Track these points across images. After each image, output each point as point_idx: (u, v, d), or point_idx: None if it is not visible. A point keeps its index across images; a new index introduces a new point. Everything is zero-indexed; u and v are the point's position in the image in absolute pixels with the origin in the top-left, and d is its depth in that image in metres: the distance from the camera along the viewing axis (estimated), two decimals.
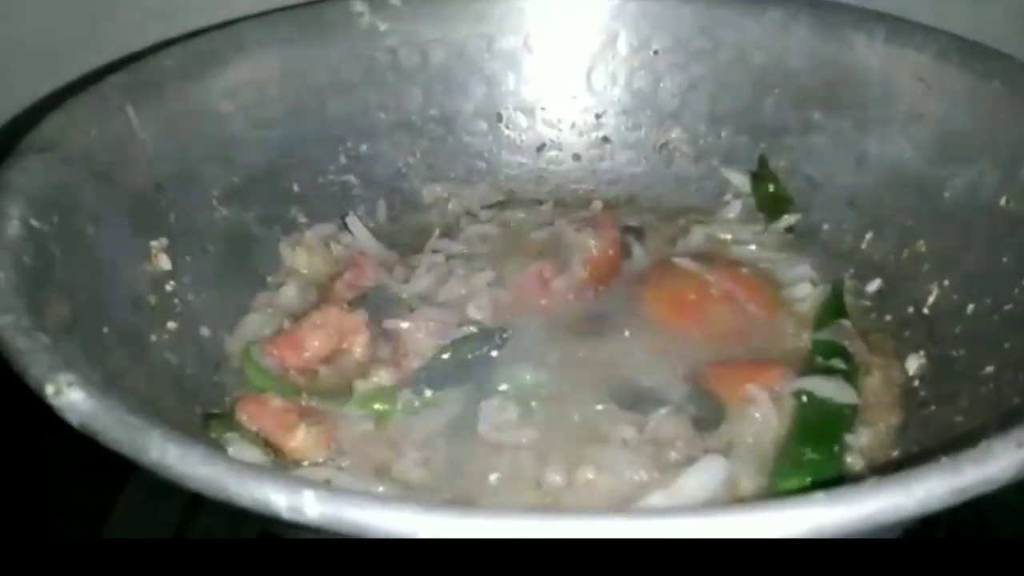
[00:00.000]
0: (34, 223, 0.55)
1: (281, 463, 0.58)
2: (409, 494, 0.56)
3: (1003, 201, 0.64)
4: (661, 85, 0.82)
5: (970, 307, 0.63)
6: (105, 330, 0.56)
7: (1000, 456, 0.37)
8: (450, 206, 0.82)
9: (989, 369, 0.58)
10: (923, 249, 0.69)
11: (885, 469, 0.53)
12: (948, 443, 0.48)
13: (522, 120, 0.85)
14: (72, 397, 0.43)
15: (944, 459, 0.37)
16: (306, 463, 0.58)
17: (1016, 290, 0.60)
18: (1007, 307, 0.60)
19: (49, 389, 0.43)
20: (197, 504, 0.63)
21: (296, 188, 0.77)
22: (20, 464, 0.72)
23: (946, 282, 0.67)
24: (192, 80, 0.71)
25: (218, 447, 0.58)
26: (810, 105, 0.78)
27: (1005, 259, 0.62)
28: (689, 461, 0.57)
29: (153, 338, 0.61)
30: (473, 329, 0.66)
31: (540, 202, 0.83)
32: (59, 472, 0.67)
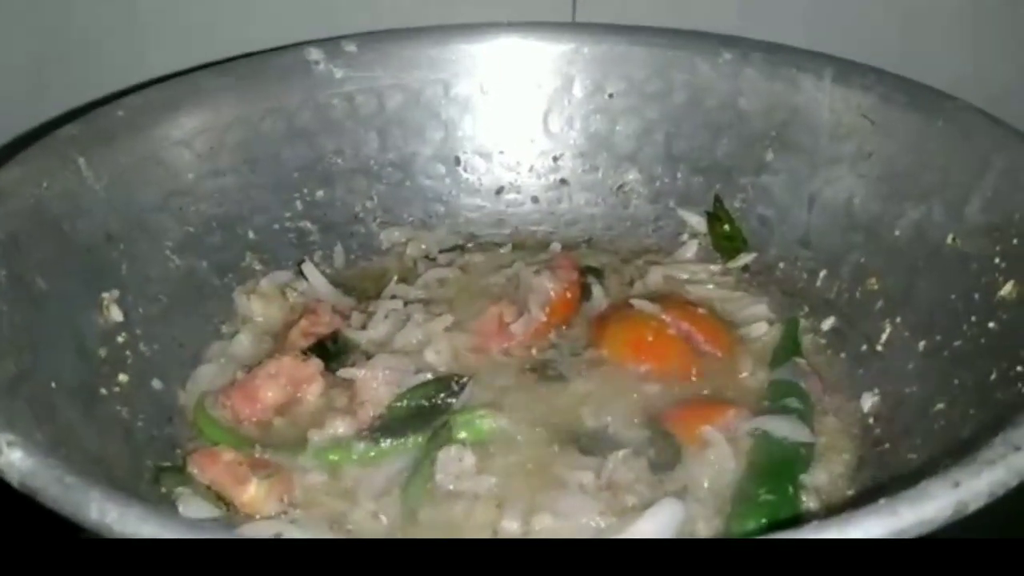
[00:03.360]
0: None
1: (233, 516, 0.57)
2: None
3: (950, 239, 0.65)
4: (617, 128, 0.83)
5: (922, 344, 0.64)
6: (53, 384, 0.56)
7: (937, 497, 0.37)
8: (408, 250, 0.82)
9: (940, 406, 0.59)
10: (875, 287, 0.70)
11: (838, 510, 0.53)
12: (893, 482, 0.48)
13: (480, 163, 0.85)
14: (11, 457, 0.43)
15: (883, 501, 0.37)
16: (258, 516, 0.57)
17: (964, 327, 0.61)
18: (956, 343, 0.61)
19: None
20: None
21: (252, 235, 0.76)
22: None
23: (898, 319, 0.67)
24: (145, 130, 0.71)
25: (168, 501, 0.57)
26: (762, 146, 0.79)
27: (953, 296, 0.63)
28: (646, 505, 0.57)
29: (103, 391, 0.61)
30: (430, 376, 0.66)
31: (499, 245, 0.83)
32: None
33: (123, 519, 0.39)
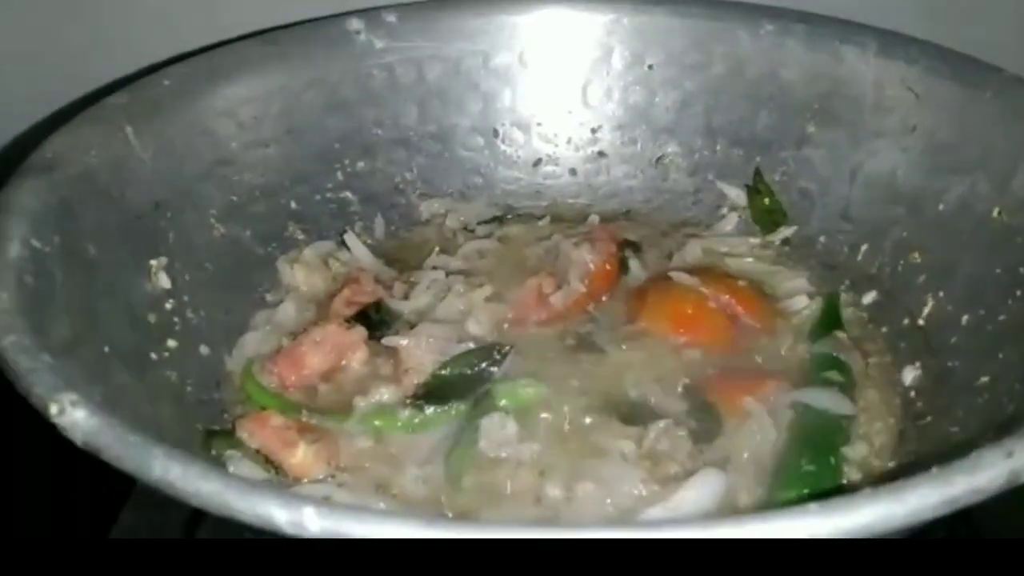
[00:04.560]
0: (35, 243, 0.56)
1: (282, 480, 0.59)
2: (409, 509, 0.56)
3: (995, 213, 0.65)
4: (656, 99, 0.83)
5: (965, 318, 0.64)
6: (106, 349, 0.57)
7: (990, 466, 0.37)
8: (447, 222, 0.82)
9: (984, 379, 0.59)
10: (918, 261, 0.70)
11: (881, 481, 0.53)
12: (943, 453, 0.49)
13: (518, 135, 0.85)
14: (75, 416, 0.44)
15: (935, 469, 0.37)
16: (306, 480, 0.59)
17: (1010, 301, 0.61)
18: (1001, 318, 0.61)
19: (53, 408, 0.44)
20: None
21: (294, 205, 0.77)
22: (29, 465, 0.72)
23: (941, 293, 0.67)
24: (191, 99, 0.72)
25: (219, 464, 0.58)
26: (804, 118, 0.78)
27: (998, 270, 0.63)
28: (688, 474, 0.57)
29: (153, 356, 0.62)
30: (472, 345, 0.67)
31: (537, 217, 0.83)
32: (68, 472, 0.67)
33: (185, 476, 0.40)
